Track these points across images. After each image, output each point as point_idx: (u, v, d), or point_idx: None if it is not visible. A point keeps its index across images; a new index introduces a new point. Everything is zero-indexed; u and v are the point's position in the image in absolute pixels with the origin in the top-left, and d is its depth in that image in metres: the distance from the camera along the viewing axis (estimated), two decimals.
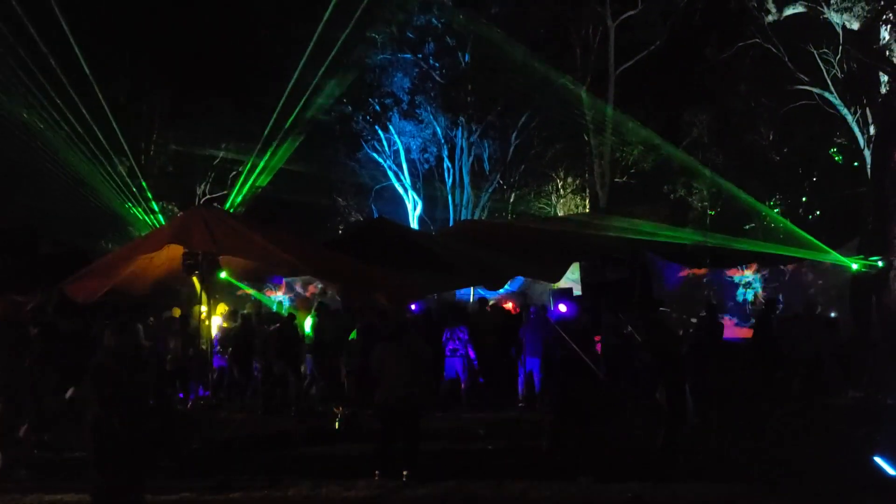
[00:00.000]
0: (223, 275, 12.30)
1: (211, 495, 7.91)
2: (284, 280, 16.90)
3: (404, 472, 8.33)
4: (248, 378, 13.97)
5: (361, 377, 11.22)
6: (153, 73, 23.40)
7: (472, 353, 12.81)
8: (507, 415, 12.15)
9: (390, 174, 26.42)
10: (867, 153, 15.31)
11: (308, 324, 13.66)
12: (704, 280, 18.16)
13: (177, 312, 13.83)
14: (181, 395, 13.31)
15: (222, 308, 15.31)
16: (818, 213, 25.17)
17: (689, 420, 9.37)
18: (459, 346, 12.89)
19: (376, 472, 8.39)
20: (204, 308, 12.15)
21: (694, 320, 15.48)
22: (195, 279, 11.37)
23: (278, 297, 17.22)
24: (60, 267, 14.88)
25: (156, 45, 23.40)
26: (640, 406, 10.41)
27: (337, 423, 11.01)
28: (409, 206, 26.44)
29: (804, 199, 25.09)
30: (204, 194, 26.42)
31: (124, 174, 19.97)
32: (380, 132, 25.74)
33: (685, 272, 18.76)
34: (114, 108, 19.90)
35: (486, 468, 8.90)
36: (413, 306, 13.83)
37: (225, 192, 26.61)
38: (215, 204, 21.91)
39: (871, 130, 15.17)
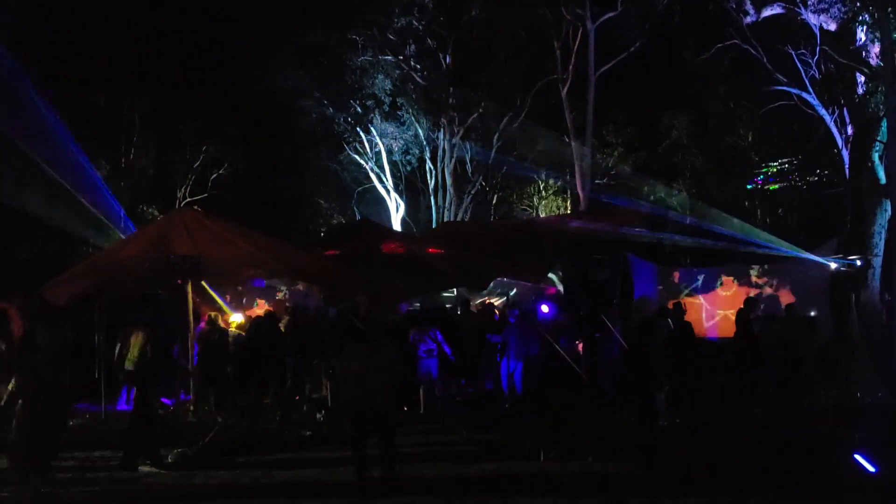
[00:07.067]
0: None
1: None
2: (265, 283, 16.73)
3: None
4: (218, 381, 13.61)
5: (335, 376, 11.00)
6: (133, 76, 23.25)
7: (447, 349, 12.58)
8: (490, 417, 12.09)
9: (372, 176, 26.41)
10: (845, 153, 15.43)
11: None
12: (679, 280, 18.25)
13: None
14: (164, 400, 13.14)
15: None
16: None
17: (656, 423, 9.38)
18: (434, 346, 12.59)
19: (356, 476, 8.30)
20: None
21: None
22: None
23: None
24: (39, 271, 14.71)
25: (135, 48, 23.28)
26: (622, 405, 10.46)
27: (320, 427, 10.94)
28: (392, 208, 26.42)
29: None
30: (184, 197, 26.31)
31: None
32: (361, 134, 25.73)
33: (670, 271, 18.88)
34: (93, 111, 19.78)
35: (467, 473, 8.73)
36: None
37: (206, 195, 26.52)
38: (196, 207, 21.75)
39: (849, 131, 15.29)
